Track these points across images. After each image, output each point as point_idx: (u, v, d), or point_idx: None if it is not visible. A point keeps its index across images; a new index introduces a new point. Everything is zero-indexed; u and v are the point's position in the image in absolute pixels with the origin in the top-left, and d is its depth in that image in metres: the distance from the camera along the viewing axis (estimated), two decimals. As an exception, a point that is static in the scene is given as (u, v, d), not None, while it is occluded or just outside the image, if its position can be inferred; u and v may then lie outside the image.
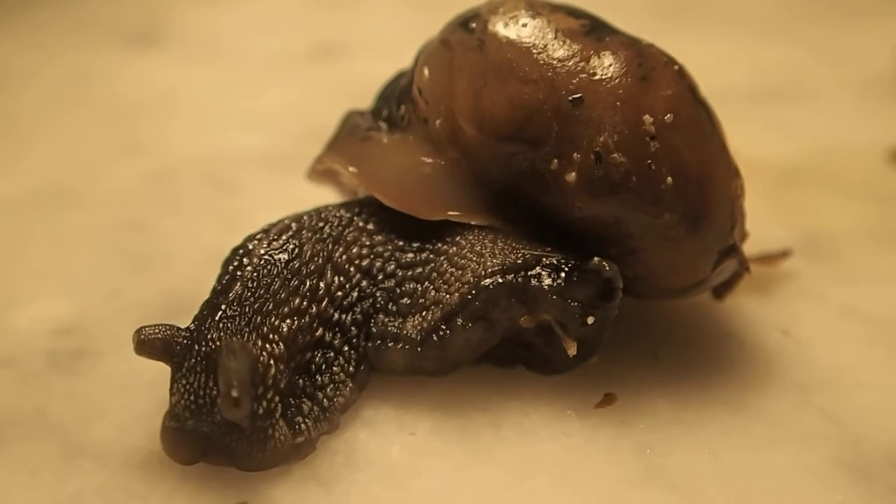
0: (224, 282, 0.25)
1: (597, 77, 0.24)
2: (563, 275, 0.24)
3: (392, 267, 0.26)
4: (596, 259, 0.24)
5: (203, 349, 0.23)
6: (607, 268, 0.24)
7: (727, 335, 0.29)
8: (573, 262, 0.24)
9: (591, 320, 0.24)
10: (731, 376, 0.27)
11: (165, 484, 0.23)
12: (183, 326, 0.24)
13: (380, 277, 0.26)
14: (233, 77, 0.52)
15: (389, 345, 0.25)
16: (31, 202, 0.37)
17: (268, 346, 0.24)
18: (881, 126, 0.44)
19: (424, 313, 0.25)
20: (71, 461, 0.24)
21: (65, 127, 0.45)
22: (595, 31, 0.25)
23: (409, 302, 0.26)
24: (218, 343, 0.23)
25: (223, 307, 0.24)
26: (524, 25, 0.25)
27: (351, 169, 0.27)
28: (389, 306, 0.26)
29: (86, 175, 0.40)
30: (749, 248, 0.29)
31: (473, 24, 0.26)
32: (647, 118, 0.24)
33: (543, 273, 0.24)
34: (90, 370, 0.27)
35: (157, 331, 0.23)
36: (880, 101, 0.47)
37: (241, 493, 0.23)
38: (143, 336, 0.23)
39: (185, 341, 0.23)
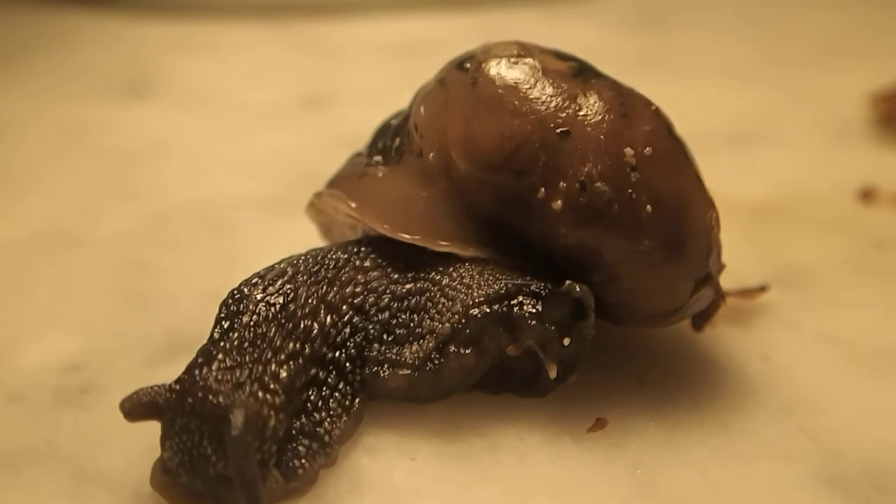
0: (221, 328, 0.25)
1: (582, 113, 0.26)
2: (540, 300, 0.26)
3: (387, 300, 0.27)
4: (567, 282, 0.26)
5: (198, 406, 0.23)
6: (577, 289, 0.26)
7: (710, 362, 0.30)
8: (548, 287, 0.26)
9: (567, 341, 0.26)
10: (715, 400, 0.28)
11: (175, 506, 0.24)
12: (186, 363, 0.24)
13: (372, 312, 0.27)
14: (224, 125, 0.54)
15: (388, 371, 0.26)
16: (32, 244, 0.38)
17: (268, 396, 0.24)
18: (851, 167, 0.45)
19: (421, 342, 0.26)
20: (84, 489, 0.25)
21: (62, 174, 0.46)
22: (582, 74, 0.27)
23: (405, 332, 0.27)
24: (221, 400, 0.23)
25: (220, 356, 0.24)
26: (515, 64, 0.27)
27: (350, 203, 0.28)
28: (385, 336, 0.27)
29: (85, 219, 0.41)
30: (728, 282, 0.31)
31: (468, 65, 0.27)
32: (629, 150, 0.26)
33: (525, 301, 0.26)
34: (97, 404, 0.28)
35: (139, 396, 0.24)
36: (850, 143, 0.49)
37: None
38: (127, 407, 0.24)
39: (171, 395, 0.24)
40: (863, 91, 0.52)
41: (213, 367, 0.24)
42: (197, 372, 0.24)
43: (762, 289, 0.33)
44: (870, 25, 0.70)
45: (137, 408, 0.24)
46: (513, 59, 0.27)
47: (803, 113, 0.54)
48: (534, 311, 0.26)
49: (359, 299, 0.27)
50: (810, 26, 0.70)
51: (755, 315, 0.33)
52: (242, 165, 0.47)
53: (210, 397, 0.23)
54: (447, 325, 0.26)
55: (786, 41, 0.68)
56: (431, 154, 0.27)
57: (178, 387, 0.24)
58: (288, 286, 0.26)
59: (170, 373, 0.25)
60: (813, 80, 0.59)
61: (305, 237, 0.32)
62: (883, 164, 0.46)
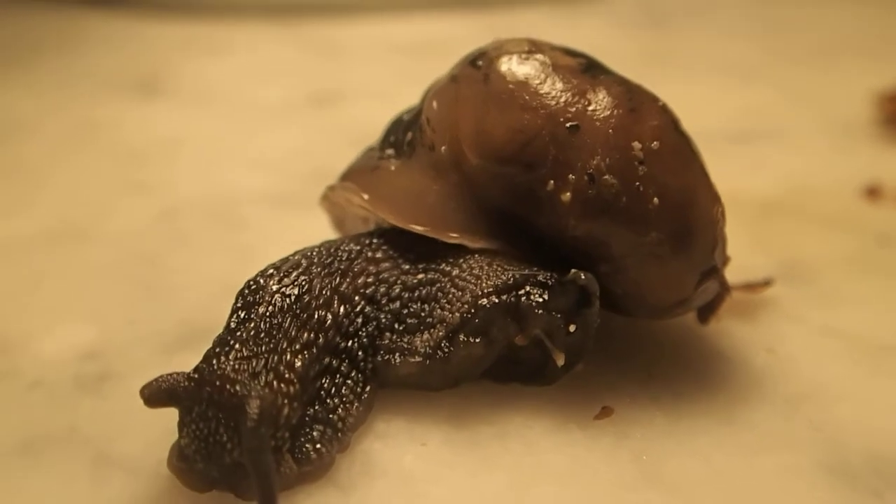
0: (238, 317, 0.26)
1: (591, 107, 0.27)
2: (547, 290, 0.26)
3: (398, 290, 0.28)
4: (573, 270, 0.26)
5: (216, 395, 0.23)
6: (583, 276, 0.26)
7: (716, 354, 0.30)
8: (555, 276, 0.26)
9: (572, 328, 0.26)
10: (720, 391, 0.28)
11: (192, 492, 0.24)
12: (199, 351, 0.25)
13: (383, 301, 0.28)
14: (233, 123, 0.54)
15: (399, 359, 0.27)
16: (46, 239, 0.39)
17: (283, 386, 0.25)
18: (856, 164, 0.46)
19: (432, 331, 0.27)
20: (103, 472, 0.25)
21: (75, 170, 0.47)
22: (590, 70, 0.28)
23: (416, 321, 0.27)
24: (238, 389, 0.23)
25: (237, 346, 0.25)
26: (526, 60, 0.27)
27: (363, 195, 0.29)
28: (396, 326, 0.27)
29: (97, 214, 0.41)
30: (733, 276, 0.31)
31: (480, 62, 0.28)
32: (637, 144, 0.26)
33: (532, 291, 0.26)
34: (115, 391, 0.29)
35: (157, 383, 0.24)
36: (855, 141, 0.50)
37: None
38: (146, 394, 0.24)
39: (189, 384, 0.24)
40: (867, 91, 0.53)
41: (231, 357, 0.24)
42: (214, 361, 0.24)
43: (767, 283, 0.33)
44: (875, 26, 0.70)
45: (156, 394, 0.24)
46: (524, 56, 0.28)
47: (808, 112, 0.54)
48: (541, 300, 0.26)
49: (371, 290, 0.28)
50: (815, 27, 0.71)
51: (761, 309, 0.33)
52: (251, 162, 0.48)
53: (227, 386, 0.24)
54: (457, 314, 0.27)
55: (791, 41, 0.68)
56: (443, 147, 0.28)
57: (196, 375, 0.24)
58: (303, 278, 0.27)
59: (184, 360, 0.25)
60: (818, 80, 0.59)
61: (313, 232, 0.33)
62: (888, 162, 0.46)
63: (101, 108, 0.56)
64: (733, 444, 0.26)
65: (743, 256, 0.35)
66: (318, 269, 0.27)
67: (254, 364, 0.25)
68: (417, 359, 0.27)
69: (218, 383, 0.24)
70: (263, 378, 0.24)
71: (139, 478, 0.25)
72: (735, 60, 0.64)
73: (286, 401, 0.25)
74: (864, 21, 0.71)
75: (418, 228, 0.28)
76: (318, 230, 0.33)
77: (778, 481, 0.25)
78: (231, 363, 0.24)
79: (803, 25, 0.71)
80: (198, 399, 0.24)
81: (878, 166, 0.45)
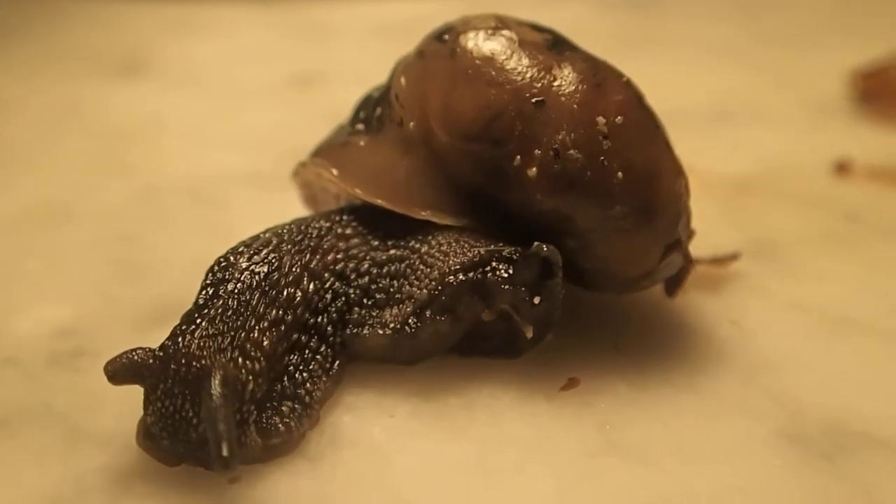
0: (206, 295, 0.26)
1: (557, 83, 0.27)
2: (511, 264, 0.27)
3: (367, 266, 0.28)
4: (536, 243, 0.27)
5: (182, 372, 0.24)
6: (545, 248, 0.26)
7: (681, 326, 0.31)
8: (519, 250, 0.27)
9: (537, 300, 0.27)
10: (684, 361, 0.29)
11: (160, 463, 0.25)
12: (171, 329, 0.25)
13: (352, 277, 0.28)
14: (216, 104, 0.55)
15: (368, 331, 0.27)
16: (27, 219, 0.39)
17: (248, 363, 0.25)
18: (829, 142, 0.46)
19: (400, 306, 0.27)
20: (75, 446, 0.26)
21: (56, 151, 0.47)
22: (557, 46, 0.28)
23: (384, 296, 0.28)
24: (203, 363, 0.24)
25: (203, 324, 0.25)
26: (493, 36, 0.28)
27: (332, 171, 0.29)
28: (365, 301, 0.28)
29: (78, 193, 0.42)
30: (702, 251, 0.32)
31: (447, 36, 0.28)
32: (601, 119, 0.26)
33: (498, 266, 0.27)
34: (89, 367, 0.29)
35: (122, 360, 0.24)
36: (829, 120, 0.50)
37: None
38: (111, 371, 0.24)
39: (154, 362, 0.24)
40: (844, 69, 0.53)
41: (196, 335, 0.25)
42: (180, 339, 0.25)
43: (734, 256, 0.34)
44: (852, 5, 0.70)
45: (120, 371, 0.24)
46: (490, 31, 0.28)
47: (785, 91, 0.55)
48: (506, 275, 0.26)
49: (340, 266, 0.28)
50: (794, 7, 0.71)
51: (727, 283, 0.34)
52: (233, 142, 0.48)
53: (193, 363, 0.24)
54: (425, 291, 0.27)
55: (770, 21, 0.68)
56: (412, 123, 0.28)
57: (161, 353, 0.24)
58: (273, 255, 0.27)
59: (160, 338, 0.26)
60: (796, 59, 0.60)
61: (293, 212, 0.33)
62: (860, 139, 0.47)
63: (83, 89, 0.56)
64: (694, 412, 0.27)
65: (713, 233, 0.35)
66: (289, 247, 0.28)
67: (219, 341, 0.25)
68: (387, 331, 0.27)
69: (184, 361, 0.24)
70: (229, 354, 0.25)
71: (110, 451, 0.25)
72: (714, 41, 0.64)
73: (251, 377, 0.25)
74: (842, 1, 0.72)
75: (386, 204, 0.28)
76: (296, 209, 0.34)
77: (735, 446, 0.26)
78: (197, 340, 0.25)
79: (782, 6, 0.71)
80: (163, 377, 0.24)
81: (850, 143, 0.46)
